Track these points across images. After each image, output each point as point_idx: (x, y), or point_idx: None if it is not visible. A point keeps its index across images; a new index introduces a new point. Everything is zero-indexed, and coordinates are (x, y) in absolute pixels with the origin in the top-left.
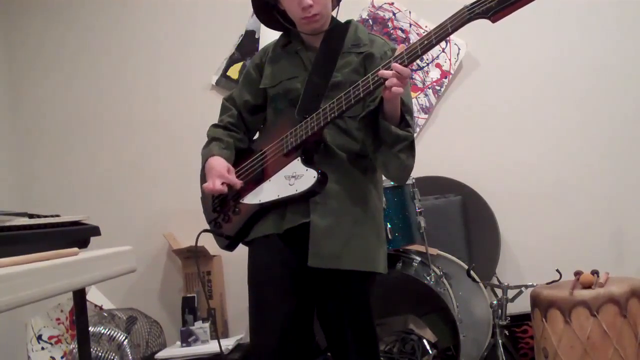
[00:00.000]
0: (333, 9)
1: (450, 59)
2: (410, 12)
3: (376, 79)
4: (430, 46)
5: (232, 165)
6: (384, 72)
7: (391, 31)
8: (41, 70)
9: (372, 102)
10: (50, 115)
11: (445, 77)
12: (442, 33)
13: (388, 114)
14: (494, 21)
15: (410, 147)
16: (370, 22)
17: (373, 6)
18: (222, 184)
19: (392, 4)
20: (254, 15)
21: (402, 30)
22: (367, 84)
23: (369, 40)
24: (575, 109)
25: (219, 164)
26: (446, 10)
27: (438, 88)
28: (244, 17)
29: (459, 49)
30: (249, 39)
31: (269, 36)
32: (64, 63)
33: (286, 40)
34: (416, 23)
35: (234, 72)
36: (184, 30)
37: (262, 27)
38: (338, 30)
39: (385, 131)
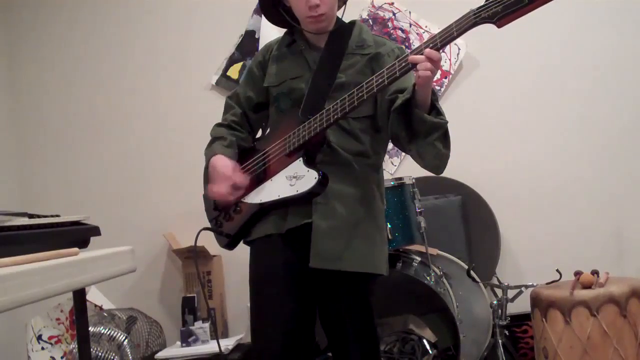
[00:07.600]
0: (338, 9)
1: (450, 59)
2: (410, 12)
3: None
4: (436, 50)
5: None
6: (416, 57)
7: (391, 31)
8: (41, 70)
9: (399, 95)
10: (50, 115)
11: (445, 77)
12: (448, 37)
13: (420, 102)
14: (499, 26)
15: (445, 136)
16: (370, 22)
17: (373, 6)
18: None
19: (392, 4)
20: (254, 15)
21: (402, 30)
22: (371, 86)
23: (374, 42)
24: (575, 109)
25: (223, 164)
26: (446, 10)
27: (438, 88)
28: (244, 17)
29: (459, 49)
30: (249, 39)
31: (268, 36)
32: (64, 63)
33: (290, 40)
34: (416, 23)
35: (234, 72)
36: (184, 30)
37: (262, 27)
38: (342, 31)
39: (420, 120)
